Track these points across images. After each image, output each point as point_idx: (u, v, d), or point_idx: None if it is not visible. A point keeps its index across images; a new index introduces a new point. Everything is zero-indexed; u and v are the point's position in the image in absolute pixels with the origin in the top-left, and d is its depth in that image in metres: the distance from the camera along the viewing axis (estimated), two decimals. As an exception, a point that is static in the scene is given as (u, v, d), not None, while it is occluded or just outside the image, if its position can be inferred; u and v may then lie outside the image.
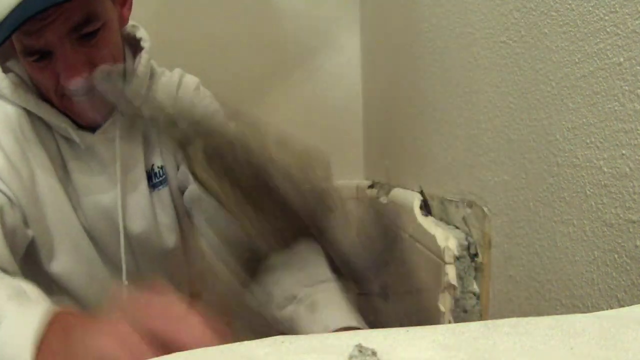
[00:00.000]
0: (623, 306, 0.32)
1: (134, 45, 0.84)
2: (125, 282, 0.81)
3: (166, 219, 0.87)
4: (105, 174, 0.80)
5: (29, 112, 0.76)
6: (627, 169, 0.35)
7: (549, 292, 0.46)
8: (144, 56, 0.82)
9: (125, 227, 0.83)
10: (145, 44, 0.84)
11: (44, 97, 0.75)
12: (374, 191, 1.31)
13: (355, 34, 1.57)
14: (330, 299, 0.64)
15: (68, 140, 0.78)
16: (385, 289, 1.08)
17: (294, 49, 1.57)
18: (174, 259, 0.91)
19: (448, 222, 0.71)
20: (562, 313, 0.44)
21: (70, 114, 0.74)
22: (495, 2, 0.54)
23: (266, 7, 1.56)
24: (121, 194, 0.81)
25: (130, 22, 0.84)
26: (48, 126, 0.77)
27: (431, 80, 0.78)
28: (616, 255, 0.37)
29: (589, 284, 0.40)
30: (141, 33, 0.86)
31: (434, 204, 0.77)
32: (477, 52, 0.59)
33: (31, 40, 0.67)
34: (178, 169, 0.88)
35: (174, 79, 0.90)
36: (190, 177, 0.80)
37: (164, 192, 0.87)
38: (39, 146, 0.76)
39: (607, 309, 0.35)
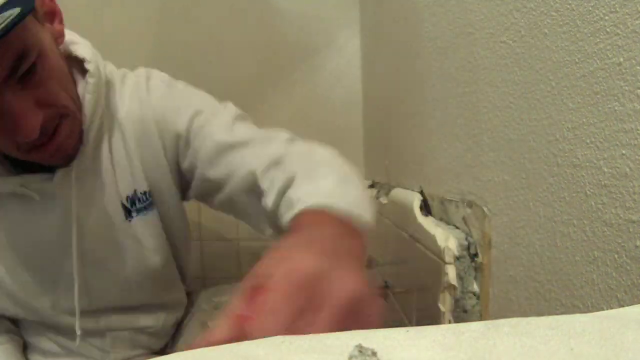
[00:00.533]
0: (623, 306, 0.32)
1: (79, 65, 0.73)
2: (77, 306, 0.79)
3: (152, 241, 0.83)
4: (64, 216, 0.74)
5: None
6: (627, 169, 0.35)
7: (549, 292, 0.46)
8: (90, 83, 0.71)
9: (100, 258, 0.80)
10: (89, 65, 0.72)
11: None
12: (374, 191, 1.31)
13: (355, 34, 1.57)
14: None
15: (17, 195, 0.72)
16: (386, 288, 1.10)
17: (294, 49, 1.57)
18: (164, 276, 0.90)
19: (448, 222, 0.71)
20: (562, 313, 0.44)
21: (41, 161, 0.67)
22: (495, 2, 0.54)
23: (266, 7, 1.56)
24: (79, 230, 0.76)
25: (67, 35, 0.72)
26: None
27: (431, 80, 0.78)
28: (616, 255, 0.37)
29: (589, 284, 0.40)
30: (82, 50, 0.73)
31: (434, 204, 0.77)
32: (477, 52, 0.59)
33: None
34: (176, 180, 0.83)
35: (141, 81, 0.81)
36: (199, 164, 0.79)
37: (150, 216, 0.82)
38: None
39: (607, 309, 0.35)
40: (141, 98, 0.80)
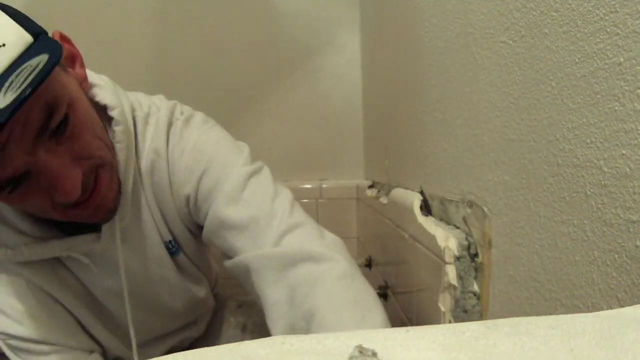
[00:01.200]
0: (623, 306, 0.32)
1: (103, 109, 0.67)
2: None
3: (194, 276, 0.87)
4: (114, 268, 0.73)
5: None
6: (627, 169, 0.35)
7: (549, 292, 0.46)
8: (117, 131, 0.66)
9: (162, 302, 0.83)
10: (114, 112, 0.67)
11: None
12: (374, 191, 1.31)
13: (355, 34, 1.57)
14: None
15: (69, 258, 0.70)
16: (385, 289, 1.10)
17: (294, 49, 1.57)
18: (203, 300, 0.93)
19: (448, 222, 0.71)
20: (562, 313, 0.44)
21: (80, 220, 0.63)
22: (495, 2, 0.54)
23: (266, 7, 1.56)
24: (131, 279, 0.76)
25: (89, 77, 0.67)
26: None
27: (431, 80, 0.78)
28: (616, 255, 0.36)
29: (589, 284, 0.40)
30: (104, 94, 0.67)
31: (434, 204, 0.77)
32: (477, 52, 0.59)
33: None
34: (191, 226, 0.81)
35: (160, 126, 0.75)
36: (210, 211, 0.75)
37: (181, 259, 0.83)
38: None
39: (607, 309, 0.35)
40: (157, 149, 0.74)
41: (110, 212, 0.65)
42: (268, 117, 1.60)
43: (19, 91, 0.44)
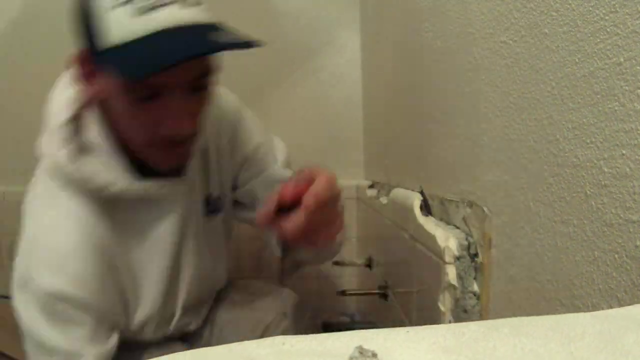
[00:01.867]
0: (623, 306, 0.32)
1: None
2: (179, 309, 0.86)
3: (215, 246, 0.92)
4: (169, 217, 0.80)
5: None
6: (627, 169, 0.35)
7: (549, 292, 0.46)
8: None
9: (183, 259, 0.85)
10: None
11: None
12: (374, 191, 1.31)
13: (355, 34, 1.57)
14: None
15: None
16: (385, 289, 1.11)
17: (294, 49, 1.57)
18: (220, 278, 0.98)
19: (448, 222, 0.71)
20: (562, 313, 0.44)
21: (152, 159, 0.71)
22: (495, 2, 0.54)
23: (266, 7, 1.56)
24: (181, 226, 0.82)
25: None
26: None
27: (431, 80, 0.78)
28: (616, 255, 0.37)
29: (589, 284, 0.40)
30: None
31: (434, 204, 0.77)
32: (477, 52, 0.59)
33: (151, 79, 0.61)
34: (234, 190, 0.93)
35: (216, 95, 0.86)
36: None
37: (217, 220, 0.90)
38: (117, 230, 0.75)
39: (607, 309, 0.35)
40: (217, 114, 0.85)
41: (180, 166, 0.76)
42: (268, 117, 1.60)
43: (227, 40, 0.63)
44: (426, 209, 0.80)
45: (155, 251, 0.79)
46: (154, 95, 0.63)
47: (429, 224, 0.71)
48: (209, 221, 0.88)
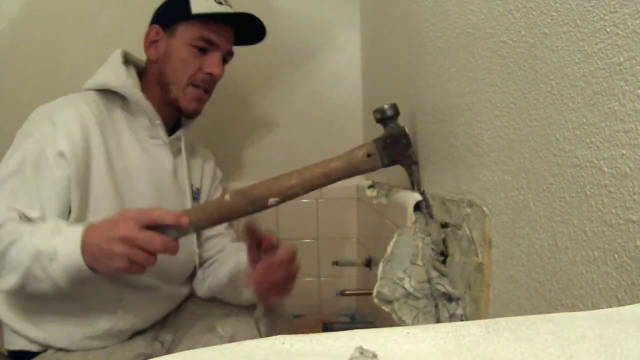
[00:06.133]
0: (623, 306, 0.32)
1: None
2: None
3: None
4: (171, 167, 1.05)
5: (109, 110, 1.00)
6: (627, 169, 0.35)
7: (549, 292, 0.46)
8: None
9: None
10: None
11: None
12: (374, 191, 1.31)
13: (355, 34, 1.57)
14: None
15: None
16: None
17: (294, 49, 1.57)
18: (193, 260, 1.13)
19: (449, 222, 0.71)
20: (562, 312, 0.44)
21: (183, 99, 1.02)
22: (495, 2, 0.54)
23: (266, 7, 1.56)
24: (175, 193, 1.06)
25: None
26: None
27: (431, 80, 0.78)
28: (616, 255, 0.36)
29: (589, 284, 0.40)
30: None
31: (434, 204, 0.77)
32: (477, 52, 0.59)
33: (215, 35, 1.03)
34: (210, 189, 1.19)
35: None
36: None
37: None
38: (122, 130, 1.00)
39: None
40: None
41: (198, 112, 1.07)
42: (268, 117, 1.60)
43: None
44: (426, 209, 0.80)
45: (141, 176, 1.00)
46: (206, 49, 1.02)
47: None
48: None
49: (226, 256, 1.12)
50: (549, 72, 0.44)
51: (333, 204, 1.59)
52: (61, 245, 0.77)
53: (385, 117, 0.82)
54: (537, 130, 0.47)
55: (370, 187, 1.36)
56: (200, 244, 1.12)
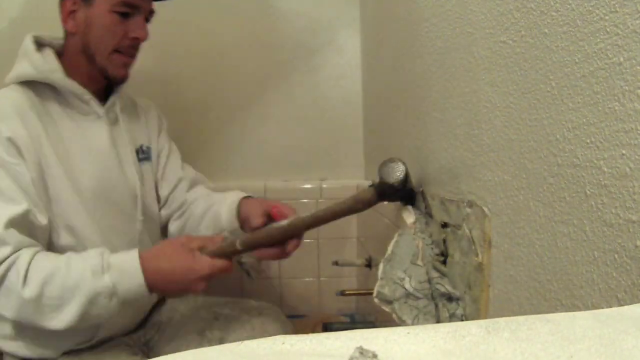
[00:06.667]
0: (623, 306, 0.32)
1: None
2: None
3: (151, 190, 1.12)
4: (109, 139, 1.02)
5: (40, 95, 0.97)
6: (627, 169, 0.35)
7: (549, 292, 0.46)
8: None
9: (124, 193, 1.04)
10: None
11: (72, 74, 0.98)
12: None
13: (355, 34, 1.57)
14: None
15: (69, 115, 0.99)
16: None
17: (294, 49, 1.57)
18: (157, 227, 1.14)
19: (449, 222, 0.71)
20: (562, 312, 0.44)
21: (111, 66, 1.00)
22: (495, 2, 0.54)
23: (266, 7, 1.56)
24: (118, 164, 1.03)
25: None
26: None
27: (431, 80, 0.78)
28: (616, 255, 0.37)
29: (589, 284, 0.40)
30: None
31: (434, 204, 0.77)
32: (477, 52, 0.59)
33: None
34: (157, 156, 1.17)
35: None
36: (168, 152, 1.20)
37: (147, 167, 1.12)
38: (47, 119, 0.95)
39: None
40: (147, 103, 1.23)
41: (126, 77, 1.04)
42: (268, 117, 1.60)
43: None
44: (425, 209, 0.80)
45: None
46: (128, 14, 0.98)
47: (407, 214, 0.73)
48: (142, 168, 1.10)
49: (201, 218, 1.13)
50: (549, 72, 0.44)
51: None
52: (120, 284, 0.82)
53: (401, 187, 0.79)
54: (537, 130, 0.47)
55: (370, 187, 1.36)
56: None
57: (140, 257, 0.84)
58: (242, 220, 1.07)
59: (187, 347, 1.01)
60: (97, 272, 0.81)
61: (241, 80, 1.58)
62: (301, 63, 1.58)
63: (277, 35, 1.57)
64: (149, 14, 1.04)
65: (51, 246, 0.91)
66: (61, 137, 0.96)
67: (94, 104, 1.00)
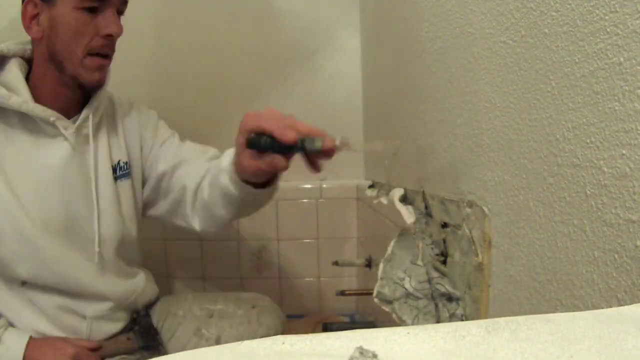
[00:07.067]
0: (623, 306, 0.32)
1: None
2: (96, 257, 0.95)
3: (129, 209, 1.02)
4: (73, 162, 0.92)
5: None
6: (627, 169, 0.35)
7: (549, 292, 0.46)
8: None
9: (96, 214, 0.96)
10: None
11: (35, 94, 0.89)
12: (374, 191, 1.31)
13: (355, 34, 1.57)
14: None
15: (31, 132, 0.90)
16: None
17: (294, 49, 1.57)
18: (133, 245, 1.05)
19: (449, 222, 0.71)
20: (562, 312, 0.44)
21: (84, 72, 0.88)
22: (495, 2, 0.54)
23: (266, 7, 1.56)
24: (76, 190, 0.93)
25: None
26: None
27: (431, 80, 0.78)
28: (616, 255, 0.37)
29: (589, 284, 0.40)
30: None
31: (433, 204, 0.77)
32: (477, 52, 0.59)
33: None
34: (142, 164, 1.06)
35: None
36: (157, 169, 1.06)
37: (126, 184, 1.01)
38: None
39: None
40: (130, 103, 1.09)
41: (102, 83, 0.92)
42: (268, 117, 1.60)
43: None
44: (425, 209, 0.80)
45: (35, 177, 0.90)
46: (96, 9, 0.86)
47: (405, 211, 0.73)
48: (119, 186, 1.00)
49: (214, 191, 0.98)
50: (549, 72, 0.44)
51: (333, 204, 1.59)
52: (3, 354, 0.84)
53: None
54: (537, 130, 0.47)
55: (370, 187, 1.36)
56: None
57: (29, 342, 0.87)
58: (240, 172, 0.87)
59: (184, 349, 1.02)
60: None
61: (241, 80, 1.58)
62: (301, 63, 1.58)
63: (277, 35, 1.57)
64: (122, 5, 0.91)
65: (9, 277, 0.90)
66: (18, 164, 0.88)
67: (61, 125, 0.90)
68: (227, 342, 1.01)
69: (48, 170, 0.90)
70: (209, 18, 1.55)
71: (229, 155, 0.92)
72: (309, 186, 1.59)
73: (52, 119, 0.88)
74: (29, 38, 0.92)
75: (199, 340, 1.02)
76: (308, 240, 1.60)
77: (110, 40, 0.89)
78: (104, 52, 0.89)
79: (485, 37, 0.57)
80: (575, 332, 0.25)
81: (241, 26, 1.56)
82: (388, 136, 1.17)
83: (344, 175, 1.60)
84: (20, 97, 0.86)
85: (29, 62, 0.92)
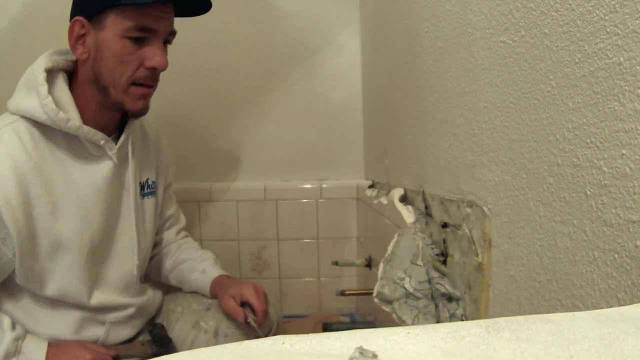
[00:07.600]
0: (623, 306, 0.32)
1: None
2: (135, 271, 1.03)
3: (150, 225, 1.08)
4: (114, 180, 0.96)
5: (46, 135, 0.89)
6: (627, 169, 0.35)
7: (549, 292, 0.46)
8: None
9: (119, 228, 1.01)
10: None
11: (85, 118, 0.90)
12: (374, 191, 1.31)
13: (355, 34, 1.57)
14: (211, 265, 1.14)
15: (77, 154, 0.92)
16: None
17: (294, 49, 1.57)
18: (148, 257, 1.11)
19: (449, 222, 0.71)
20: (562, 312, 0.44)
21: (128, 100, 0.90)
22: (495, 2, 0.54)
23: (267, 7, 1.56)
24: (133, 199, 1.01)
25: None
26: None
27: (431, 80, 0.78)
28: (616, 255, 0.37)
29: (589, 284, 0.40)
30: None
31: (433, 204, 0.77)
32: (477, 52, 0.59)
33: (151, 20, 0.86)
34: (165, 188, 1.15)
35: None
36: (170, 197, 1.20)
37: (151, 202, 1.08)
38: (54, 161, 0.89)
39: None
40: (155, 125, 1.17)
41: (145, 110, 0.94)
42: (268, 117, 1.60)
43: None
44: (425, 209, 0.80)
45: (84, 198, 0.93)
46: (143, 39, 0.87)
47: (404, 211, 0.73)
48: (145, 203, 1.06)
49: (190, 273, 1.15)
50: (549, 72, 0.44)
51: (333, 204, 1.59)
52: None
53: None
54: (537, 130, 0.47)
55: (370, 187, 1.36)
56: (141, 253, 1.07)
57: (48, 350, 0.88)
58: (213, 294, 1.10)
59: (184, 342, 1.03)
60: (8, 352, 0.85)
61: (241, 80, 1.58)
62: (301, 63, 1.58)
63: (277, 35, 1.57)
64: (169, 36, 0.91)
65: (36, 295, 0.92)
66: (70, 184, 0.90)
67: (107, 146, 0.93)
68: (224, 333, 1.04)
69: (91, 188, 0.93)
70: (209, 18, 1.55)
71: (209, 279, 1.11)
72: (309, 186, 1.59)
73: (102, 142, 0.92)
74: (59, 47, 0.94)
75: (198, 332, 1.03)
76: (308, 240, 1.60)
77: (154, 72, 0.89)
78: (148, 83, 0.90)
79: (485, 37, 0.57)
80: (575, 332, 0.25)
81: (241, 26, 1.56)
82: (388, 136, 1.17)
83: (344, 175, 1.60)
84: (72, 121, 0.87)
85: (69, 74, 0.93)
